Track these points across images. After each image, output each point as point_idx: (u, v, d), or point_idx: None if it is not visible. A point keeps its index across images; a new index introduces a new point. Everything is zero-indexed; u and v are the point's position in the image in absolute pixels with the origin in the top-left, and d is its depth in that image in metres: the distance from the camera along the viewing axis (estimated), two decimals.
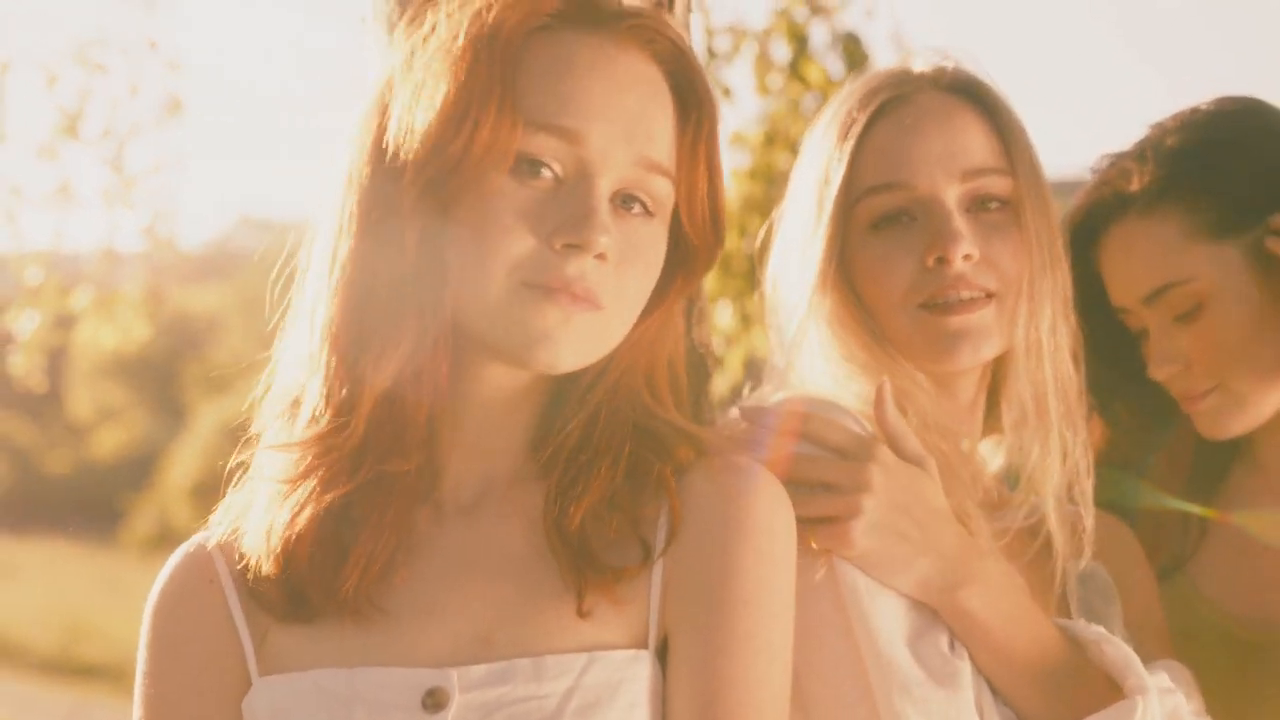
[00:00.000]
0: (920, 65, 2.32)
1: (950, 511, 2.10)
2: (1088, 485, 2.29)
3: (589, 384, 1.90)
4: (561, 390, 1.91)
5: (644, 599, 1.81)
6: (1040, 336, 2.24)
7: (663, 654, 1.82)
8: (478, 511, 1.88)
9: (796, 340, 2.28)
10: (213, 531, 1.91)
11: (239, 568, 1.87)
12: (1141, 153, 2.51)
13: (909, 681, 2.01)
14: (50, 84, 7.91)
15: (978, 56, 2.33)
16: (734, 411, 2.28)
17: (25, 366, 8.19)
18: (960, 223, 2.19)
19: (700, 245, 1.93)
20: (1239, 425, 2.48)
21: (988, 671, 2.09)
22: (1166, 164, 2.48)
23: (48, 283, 8.04)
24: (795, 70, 5.25)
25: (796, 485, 1.97)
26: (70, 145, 7.97)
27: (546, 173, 1.78)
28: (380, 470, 1.82)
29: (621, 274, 1.81)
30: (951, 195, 2.21)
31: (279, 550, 1.82)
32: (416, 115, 1.78)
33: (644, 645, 1.80)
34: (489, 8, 1.82)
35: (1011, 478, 2.33)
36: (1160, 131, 2.53)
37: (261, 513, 1.85)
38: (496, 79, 1.77)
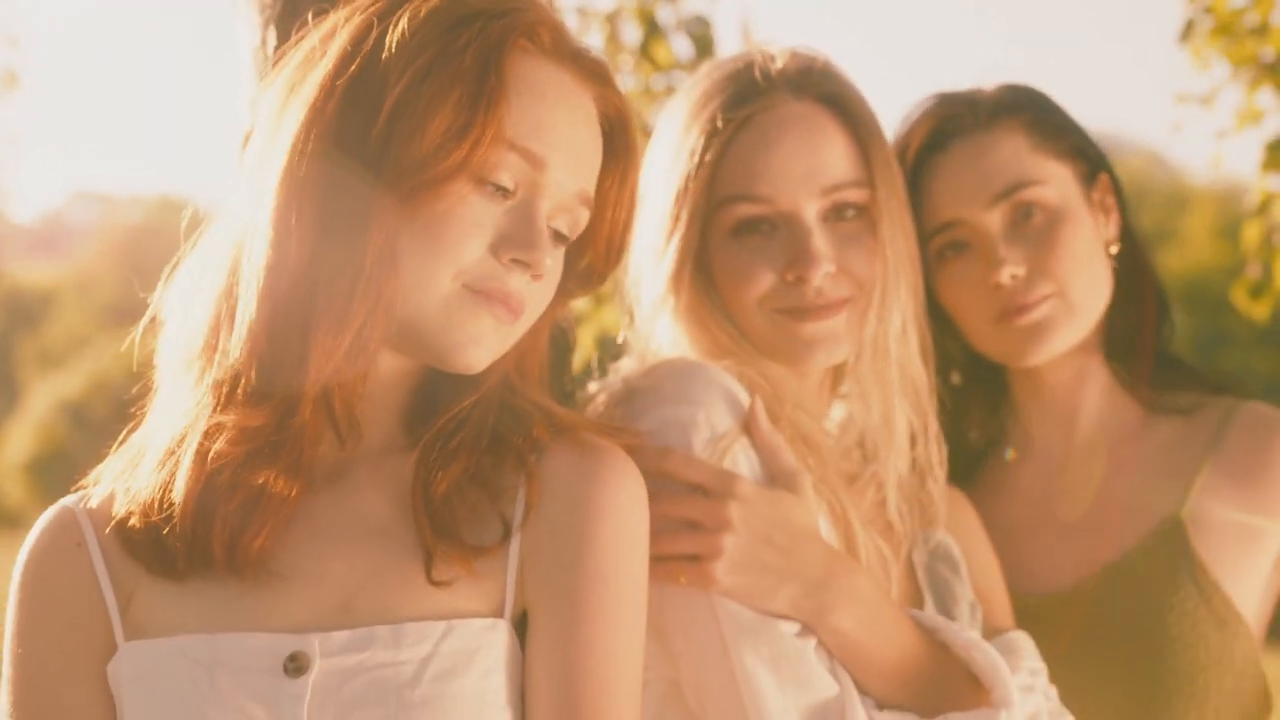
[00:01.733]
0: (783, 63, 2.36)
1: (816, 531, 2.15)
2: (939, 471, 2.42)
3: (474, 376, 1.98)
4: (437, 374, 1.99)
5: (502, 571, 1.89)
6: (889, 341, 2.34)
7: (520, 626, 1.90)
8: (345, 482, 1.95)
9: (648, 329, 2.38)
10: (88, 492, 1.97)
11: (108, 532, 1.92)
12: (970, 93, 2.73)
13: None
14: None
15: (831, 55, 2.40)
16: (591, 386, 2.37)
17: None
18: (819, 240, 2.27)
19: (604, 268, 2.10)
20: (1060, 339, 2.65)
21: (861, 681, 2.15)
22: (1004, 94, 2.71)
23: None
24: (645, 52, 5.32)
25: (659, 522, 2.04)
26: None
27: (505, 189, 1.90)
28: (274, 441, 1.88)
29: (540, 290, 1.95)
30: (811, 210, 2.29)
31: (159, 510, 1.87)
32: (407, 121, 1.84)
33: (501, 615, 1.87)
34: (482, 14, 1.90)
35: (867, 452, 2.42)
36: (974, 89, 2.74)
37: (148, 473, 1.90)
38: (495, 98, 1.86)
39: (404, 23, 1.88)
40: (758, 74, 2.34)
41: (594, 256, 2.08)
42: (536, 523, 1.90)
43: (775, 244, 2.29)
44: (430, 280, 1.86)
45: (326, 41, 1.92)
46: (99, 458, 1.98)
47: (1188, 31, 4.82)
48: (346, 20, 1.93)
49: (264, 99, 1.96)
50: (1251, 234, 4.70)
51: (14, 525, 21.74)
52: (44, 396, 25.53)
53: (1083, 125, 2.75)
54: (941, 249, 2.68)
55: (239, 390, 1.87)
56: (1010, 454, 2.83)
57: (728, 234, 2.31)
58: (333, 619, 1.84)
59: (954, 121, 2.68)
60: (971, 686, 2.22)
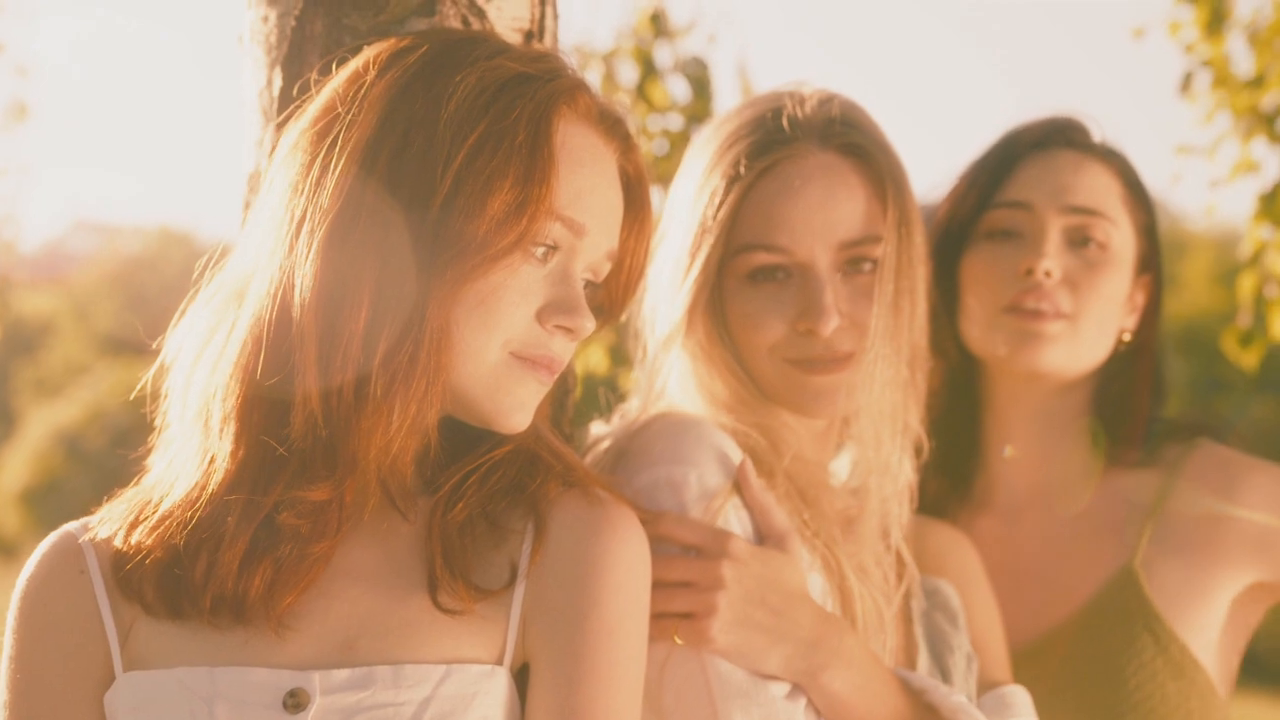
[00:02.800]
0: (811, 109, 2.35)
1: (806, 591, 2.16)
2: (906, 513, 2.41)
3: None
4: (456, 420, 1.99)
5: (504, 618, 1.90)
6: (890, 392, 2.34)
7: (520, 675, 1.91)
8: (354, 525, 1.94)
9: (656, 366, 2.37)
10: (94, 525, 1.97)
11: (111, 563, 1.92)
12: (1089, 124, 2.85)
13: None
14: None
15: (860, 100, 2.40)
16: (595, 428, 2.39)
17: None
18: (831, 295, 2.28)
19: (614, 310, 2.13)
20: (1051, 358, 2.68)
21: None
22: (1113, 145, 2.84)
23: None
24: (641, 92, 5.37)
25: (654, 583, 2.02)
26: None
27: (551, 257, 1.93)
28: (334, 515, 1.89)
29: (573, 346, 1.98)
30: (826, 263, 2.29)
31: (183, 557, 1.88)
32: (466, 198, 1.85)
33: (500, 662, 1.89)
34: (527, 80, 1.93)
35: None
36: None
37: (168, 518, 1.90)
38: (548, 173, 1.89)
39: (446, 83, 1.89)
40: (785, 121, 2.34)
41: (605, 299, 2.11)
42: (542, 573, 1.91)
43: (789, 293, 2.31)
44: (482, 351, 1.89)
45: (354, 94, 1.92)
46: (94, 487, 1.99)
47: (1186, 84, 4.86)
48: (376, 70, 1.93)
49: (283, 143, 1.97)
50: (1245, 284, 4.73)
51: (9, 554, 21.73)
52: (40, 425, 25.48)
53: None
54: (993, 229, 2.75)
55: (295, 462, 1.88)
56: (1009, 451, 2.84)
57: (743, 279, 2.33)
58: (334, 657, 1.85)
59: (1070, 133, 2.79)
60: None
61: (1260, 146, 4.67)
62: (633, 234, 2.09)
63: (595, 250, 1.98)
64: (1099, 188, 2.73)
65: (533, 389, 1.95)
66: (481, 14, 2.29)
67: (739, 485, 2.20)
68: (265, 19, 2.33)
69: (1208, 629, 2.66)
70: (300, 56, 2.29)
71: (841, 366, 2.31)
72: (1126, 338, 2.81)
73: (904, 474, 2.39)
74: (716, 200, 2.32)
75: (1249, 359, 4.82)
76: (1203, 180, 4.92)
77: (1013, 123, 2.84)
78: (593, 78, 5.49)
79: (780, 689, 2.13)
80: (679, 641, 2.10)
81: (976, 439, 2.88)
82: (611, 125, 2.02)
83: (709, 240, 2.32)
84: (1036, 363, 2.68)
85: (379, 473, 1.91)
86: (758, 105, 2.40)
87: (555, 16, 2.45)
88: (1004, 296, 2.70)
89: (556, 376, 1.98)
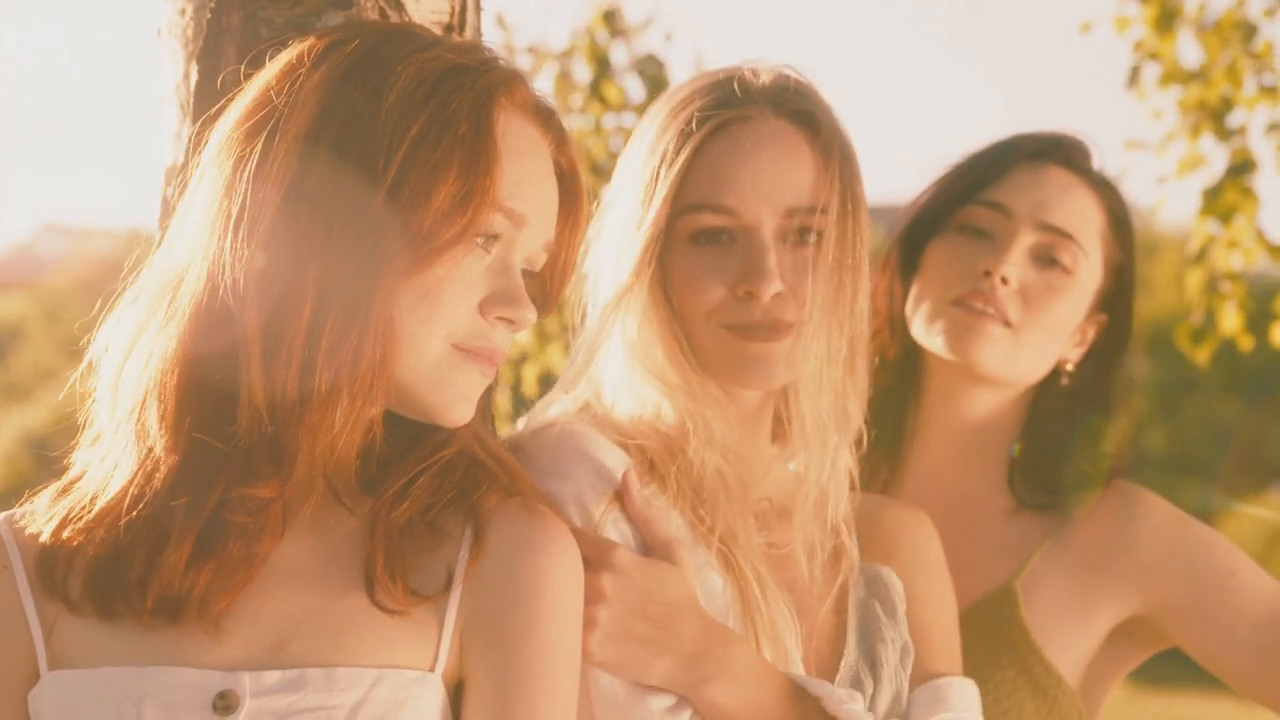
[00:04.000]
0: (767, 79, 2.34)
1: (693, 601, 2.14)
2: (843, 500, 2.37)
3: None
4: (398, 416, 1.95)
5: (438, 624, 1.88)
6: (825, 369, 2.30)
7: (452, 683, 1.89)
8: (292, 522, 1.91)
9: (600, 336, 2.32)
10: (18, 520, 1.94)
11: (36, 560, 1.89)
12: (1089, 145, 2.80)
13: None
14: None
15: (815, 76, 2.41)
16: (520, 423, 2.36)
17: None
18: (774, 259, 2.24)
19: (551, 299, 2.11)
20: (989, 357, 2.66)
21: None
22: (1108, 178, 2.76)
23: None
24: (596, 91, 5.37)
25: None
26: None
27: (491, 248, 1.91)
28: (278, 512, 1.87)
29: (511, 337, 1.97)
30: (771, 228, 2.26)
31: (116, 557, 1.84)
32: (411, 190, 1.84)
33: (433, 669, 1.86)
34: (465, 71, 1.92)
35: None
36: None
37: (101, 517, 1.87)
38: (491, 164, 1.88)
39: (385, 75, 1.88)
40: (737, 86, 2.31)
41: (538, 291, 2.08)
42: (479, 584, 1.89)
43: (732, 257, 2.26)
44: (426, 344, 1.87)
45: (289, 86, 1.89)
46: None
47: (1134, 78, 4.87)
48: (311, 62, 1.91)
49: (213, 138, 1.93)
50: (1193, 280, 4.74)
51: None
52: (9, 429, 25.40)
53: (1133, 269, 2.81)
54: (966, 224, 2.73)
55: (239, 458, 1.84)
56: (1016, 449, 2.81)
57: (686, 240, 2.29)
58: (265, 659, 1.82)
59: (1070, 153, 2.75)
60: None
61: (1208, 142, 4.68)
62: (567, 226, 2.07)
63: (534, 241, 1.98)
64: (1081, 213, 2.70)
65: (475, 381, 1.93)
66: (400, 6, 2.27)
67: (622, 495, 2.17)
68: (183, 12, 2.31)
69: (1080, 652, 2.65)
70: (217, 49, 2.26)
71: (780, 335, 2.26)
72: (1069, 368, 2.77)
73: (842, 457, 2.34)
74: (668, 159, 2.28)
75: (1201, 355, 4.84)
76: (1151, 177, 4.93)
77: (964, 116, 2.81)
78: (547, 77, 5.48)
79: (662, 702, 2.11)
80: None
81: (901, 428, 2.86)
82: (546, 117, 2.00)
83: (659, 196, 2.27)
84: (971, 357, 2.65)
85: (324, 468, 1.89)
86: (712, 74, 2.38)
87: (478, 9, 2.42)
88: (955, 290, 2.68)
89: (497, 369, 1.97)
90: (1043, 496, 2.76)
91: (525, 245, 1.97)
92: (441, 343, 1.89)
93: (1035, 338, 2.68)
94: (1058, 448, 2.76)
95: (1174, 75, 4.77)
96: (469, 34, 2.39)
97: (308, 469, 1.87)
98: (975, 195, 2.73)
